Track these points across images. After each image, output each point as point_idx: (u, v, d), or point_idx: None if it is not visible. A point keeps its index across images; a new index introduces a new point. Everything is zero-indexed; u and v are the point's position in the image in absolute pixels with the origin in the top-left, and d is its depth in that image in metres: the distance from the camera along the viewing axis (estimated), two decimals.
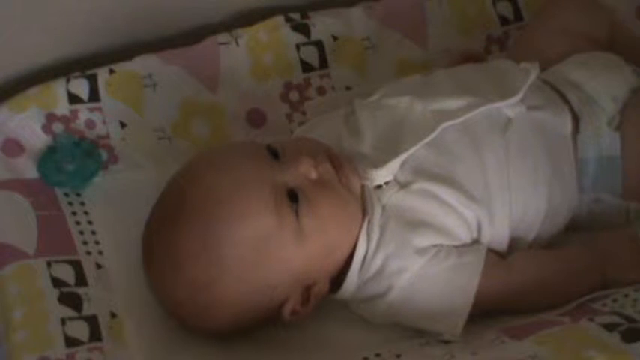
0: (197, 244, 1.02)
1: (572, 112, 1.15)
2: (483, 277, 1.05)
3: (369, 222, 1.06)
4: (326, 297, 1.08)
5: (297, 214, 1.03)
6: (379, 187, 1.08)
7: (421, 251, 1.05)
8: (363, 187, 1.09)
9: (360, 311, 1.09)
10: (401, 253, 1.05)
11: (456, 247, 1.07)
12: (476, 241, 1.09)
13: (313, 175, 1.05)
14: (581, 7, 1.26)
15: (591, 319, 0.99)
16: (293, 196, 1.03)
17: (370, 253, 1.06)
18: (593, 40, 1.23)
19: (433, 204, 1.07)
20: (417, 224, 1.06)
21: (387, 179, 1.08)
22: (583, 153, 1.13)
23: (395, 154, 1.08)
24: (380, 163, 1.08)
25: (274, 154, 1.07)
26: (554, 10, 1.26)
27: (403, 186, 1.08)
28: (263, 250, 1.02)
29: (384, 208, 1.07)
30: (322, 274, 1.06)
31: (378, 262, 1.05)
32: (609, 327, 0.97)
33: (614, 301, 1.06)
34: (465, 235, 1.08)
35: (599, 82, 1.16)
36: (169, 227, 1.03)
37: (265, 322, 1.07)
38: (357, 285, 1.07)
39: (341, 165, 1.08)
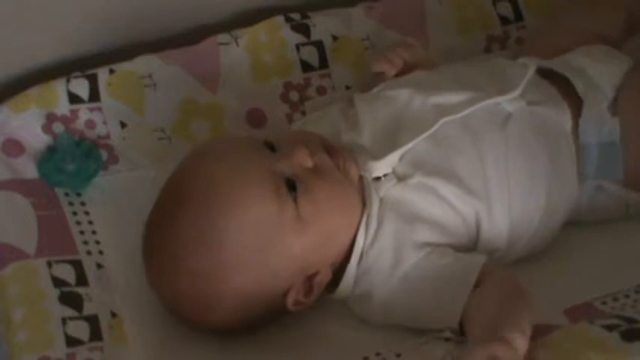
0: (197, 233, 1.02)
1: (574, 98, 1.15)
2: None
3: (368, 214, 1.07)
4: (326, 295, 1.09)
5: (295, 201, 1.03)
6: (377, 179, 1.08)
7: (416, 247, 1.05)
8: (361, 178, 1.09)
9: (357, 309, 1.09)
10: (396, 247, 1.05)
11: (454, 247, 1.07)
12: (474, 241, 1.09)
13: (309, 163, 1.05)
14: (594, 5, 1.26)
15: (591, 322, 0.99)
16: (291, 185, 1.04)
17: (367, 245, 1.06)
18: (606, 39, 1.23)
19: (431, 199, 1.07)
20: (414, 219, 1.06)
21: (386, 172, 1.09)
22: (585, 138, 1.13)
23: (394, 146, 1.09)
24: (379, 155, 1.09)
25: (271, 147, 1.07)
26: (567, 9, 1.27)
27: (401, 179, 1.08)
28: (263, 237, 1.02)
29: (381, 200, 1.07)
30: (324, 264, 1.06)
31: (374, 254, 1.06)
32: (609, 328, 0.97)
33: (615, 300, 1.07)
34: (461, 232, 1.08)
35: (602, 68, 1.17)
36: (169, 219, 1.04)
37: (268, 316, 1.07)
38: (354, 279, 1.07)
39: (336, 152, 1.08)
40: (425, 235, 1.06)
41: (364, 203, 1.08)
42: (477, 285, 1.03)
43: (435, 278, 1.04)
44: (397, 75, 1.19)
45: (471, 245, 1.09)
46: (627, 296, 1.08)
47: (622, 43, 1.25)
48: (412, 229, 1.06)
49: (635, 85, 1.16)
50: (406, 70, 1.20)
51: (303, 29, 1.31)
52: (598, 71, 1.16)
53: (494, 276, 1.03)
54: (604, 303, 1.07)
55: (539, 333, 0.99)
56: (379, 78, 1.20)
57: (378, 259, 1.06)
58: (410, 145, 1.09)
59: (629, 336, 0.95)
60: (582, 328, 0.98)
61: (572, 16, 1.26)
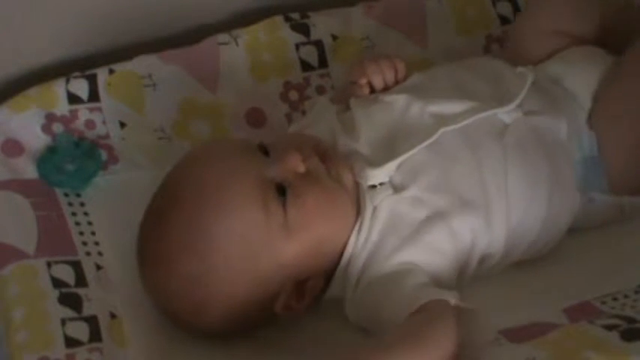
0: (187, 238, 1.02)
1: None
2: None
3: (360, 221, 1.06)
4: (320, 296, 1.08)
5: (284, 207, 1.03)
6: (373, 186, 1.08)
7: (391, 261, 1.04)
8: (357, 184, 1.08)
9: (345, 311, 1.08)
10: (377, 258, 1.05)
11: (439, 264, 1.06)
12: (464, 257, 1.07)
13: (301, 168, 1.05)
14: (565, 4, 1.24)
15: (591, 322, 0.99)
16: (281, 191, 1.04)
17: (357, 252, 1.06)
18: (581, 38, 1.23)
19: (423, 213, 1.06)
20: (400, 232, 1.05)
21: (382, 180, 1.08)
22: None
23: (392, 155, 1.08)
24: (376, 162, 1.08)
25: (265, 151, 1.07)
26: (540, 8, 1.25)
27: (397, 190, 1.07)
28: (252, 243, 1.02)
29: (375, 209, 1.07)
30: (315, 270, 1.06)
31: (359, 262, 1.05)
32: (609, 327, 0.97)
33: (615, 300, 1.07)
34: (448, 247, 1.06)
35: (578, 77, 1.16)
36: (160, 222, 1.04)
37: (261, 319, 1.07)
38: (342, 284, 1.07)
39: (330, 158, 1.08)
40: (406, 251, 1.05)
41: (359, 210, 1.07)
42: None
43: (389, 296, 1.03)
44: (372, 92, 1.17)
45: (462, 258, 1.08)
46: (627, 296, 1.07)
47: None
48: (394, 241, 1.05)
49: (607, 96, 1.15)
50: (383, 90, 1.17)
51: (302, 29, 1.31)
52: (574, 81, 1.16)
53: (430, 313, 0.99)
54: (603, 302, 1.06)
55: (538, 332, 0.99)
56: (351, 89, 1.18)
57: (362, 266, 1.05)
58: (408, 154, 1.08)
59: (629, 336, 0.95)
60: (582, 328, 0.98)
61: (546, 16, 1.24)
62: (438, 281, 1.05)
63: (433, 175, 1.07)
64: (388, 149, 1.09)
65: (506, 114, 1.12)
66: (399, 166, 1.08)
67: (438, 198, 1.07)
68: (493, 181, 1.08)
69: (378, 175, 1.08)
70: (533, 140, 1.11)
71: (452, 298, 1.00)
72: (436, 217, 1.06)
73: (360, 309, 1.05)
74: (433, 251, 1.06)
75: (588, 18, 1.23)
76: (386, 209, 1.06)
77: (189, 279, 1.02)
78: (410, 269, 1.04)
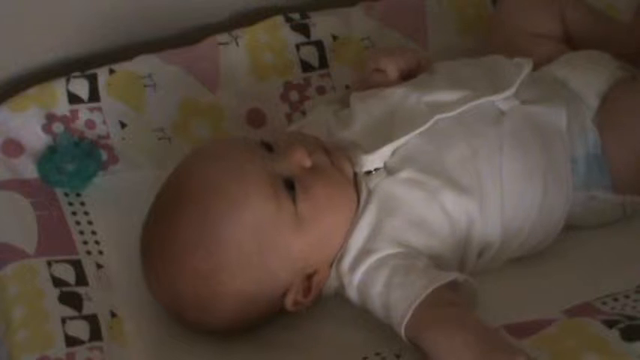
0: (196, 234, 1.02)
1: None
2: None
3: (358, 207, 1.07)
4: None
5: (294, 201, 1.03)
6: (369, 173, 1.09)
7: (390, 241, 1.05)
8: (356, 175, 1.09)
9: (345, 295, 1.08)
10: (370, 237, 1.05)
11: (435, 247, 1.06)
12: (462, 241, 1.08)
13: (307, 162, 1.05)
14: (525, 8, 1.25)
15: (592, 317, 0.99)
16: (289, 185, 1.04)
17: (354, 238, 1.06)
18: (554, 38, 1.24)
19: (418, 194, 1.07)
20: (395, 212, 1.06)
21: (377, 165, 1.09)
22: (573, 151, 1.13)
23: (386, 141, 1.09)
24: (371, 149, 1.09)
25: (268, 147, 1.07)
26: (507, 15, 1.26)
27: (391, 173, 1.08)
28: (262, 237, 1.02)
29: (370, 192, 1.07)
30: (322, 262, 1.06)
31: (356, 247, 1.06)
32: (609, 324, 0.97)
33: (615, 300, 1.06)
34: (444, 231, 1.07)
35: (584, 78, 1.16)
36: (167, 220, 1.04)
37: (267, 316, 1.07)
38: (338, 272, 1.06)
39: (333, 151, 1.09)
40: (402, 230, 1.06)
41: (359, 199, 1.08)
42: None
43: (392, 280, 1.03)
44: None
45: (459, 245, 1.08)
46: (627, 296, 1.07)
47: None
48: (391, 222, 1.06)
49: (617, 99, 1.15)
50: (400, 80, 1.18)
51: (303, 29, 1.31)
52: (579, 83, 1.16)
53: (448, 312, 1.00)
54: (604, 303, 1.06)
55: (539, 327, 0.99)
56: (374, 78, 1.18)
57: (359, 247, 1.05)
58: (402, 140, 1.09)
59: (629, 334, 0.95)
60: (582, 323, 0.98)
61: (514, 22, 1.25)
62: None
63: (427, 160, 1.08)
64: (383, 136, 1.10)
65: (502, 102, 1.12)
66: (393, 152, 1.09)
67: (432, 179, 1.07)
68: (488, 168, 1.09)
69: (373, 161, 1.09)
70: (530, 128, 1.12)
71: (459, 277, 1.02)
72: (431, 198, 1.07)
73: (361, 292, 1.05)
74: (430, 235, 1.06)
75: (548, 18, 1.25)
76: (380, 192, 1.07)
77: (199, 277, 1.02)
78: (409, 252, 1.05)
